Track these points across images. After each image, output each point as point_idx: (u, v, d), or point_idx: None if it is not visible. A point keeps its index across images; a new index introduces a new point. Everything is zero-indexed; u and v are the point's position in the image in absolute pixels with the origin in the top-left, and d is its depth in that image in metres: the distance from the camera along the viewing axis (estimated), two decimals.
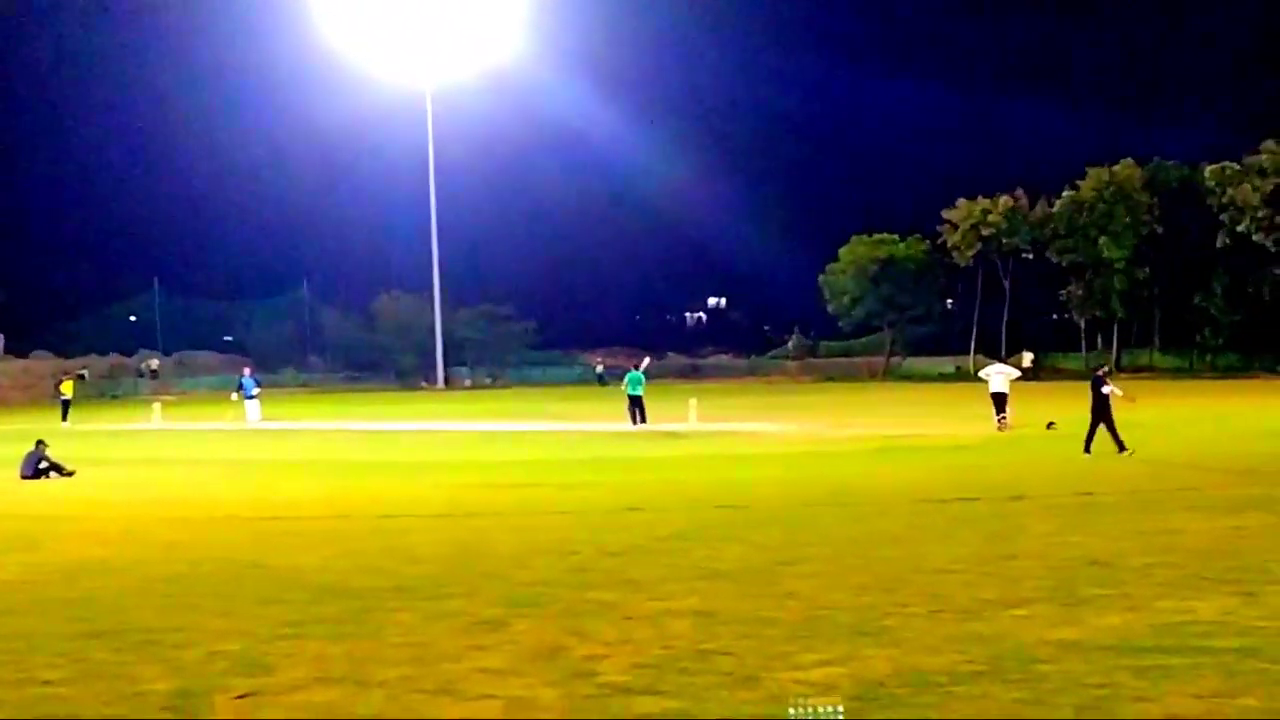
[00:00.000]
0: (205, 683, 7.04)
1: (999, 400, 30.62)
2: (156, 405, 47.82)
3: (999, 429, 30.00)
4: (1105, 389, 23.56)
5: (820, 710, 5.75)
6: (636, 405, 34.47)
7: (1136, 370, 73.26)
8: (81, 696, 6.86)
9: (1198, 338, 73.95)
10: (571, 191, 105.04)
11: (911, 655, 7.16)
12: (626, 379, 35.61)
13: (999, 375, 31.14)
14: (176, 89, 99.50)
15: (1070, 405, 39.36)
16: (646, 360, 38.77)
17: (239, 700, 6.68)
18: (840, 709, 5.80)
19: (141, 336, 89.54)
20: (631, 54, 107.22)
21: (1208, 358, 74.04)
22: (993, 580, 9.59)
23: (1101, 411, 23.38)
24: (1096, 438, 22.95)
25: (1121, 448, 22.65)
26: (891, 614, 8.37)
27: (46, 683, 7.16)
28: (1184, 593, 8.81)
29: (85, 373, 72.94)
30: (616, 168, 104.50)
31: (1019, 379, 31.46)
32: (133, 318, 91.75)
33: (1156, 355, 77.16)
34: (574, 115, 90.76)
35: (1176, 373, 71.62)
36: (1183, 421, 33.57)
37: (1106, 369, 26.87)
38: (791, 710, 5.80)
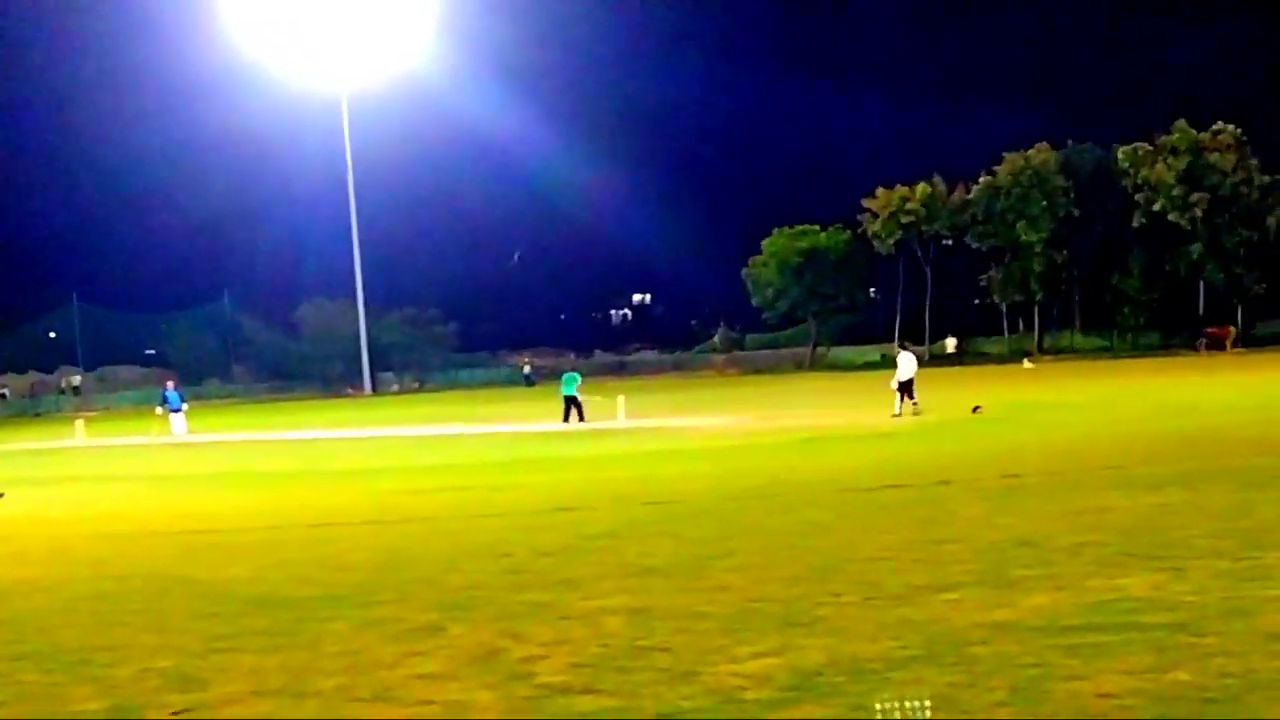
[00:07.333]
0: (139, 700, 6.95)
1: (906, 387, 30.85)
2: (79, 422, 47.20)
3: (902, 415, 30.21)
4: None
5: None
6: (572, 404, 34.82)
7: (1059, 352, 74.25)
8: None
9: (1117, 318, 74.95)
10: (492, 193, 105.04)
11: (846, 643, 7.21)
12: (563, 379, 36.11)
13: (909, 362, 31.39)
14: (87, 97, 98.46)
15: (995, 389, 39.92)
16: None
17: (174, 717, 6.61)
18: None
19: (61, 353, 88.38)
20: (546, 56, 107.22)
21: (1128, 337, 75.10)
22: (923, 565, 9.67)
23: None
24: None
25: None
26: (824, 603, 8.41)
27: None
28: (1112, 570, 8.91)
29: (5, 392, 71.94)
30: (535, 169, 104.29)
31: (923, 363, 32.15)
32: (52, 334, 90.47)
33: (1078, 336, 78.22)
34: (491, 118, 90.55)
35: (1098, 353, 72.56)
36: (1104, 401, 34.07)
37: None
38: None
